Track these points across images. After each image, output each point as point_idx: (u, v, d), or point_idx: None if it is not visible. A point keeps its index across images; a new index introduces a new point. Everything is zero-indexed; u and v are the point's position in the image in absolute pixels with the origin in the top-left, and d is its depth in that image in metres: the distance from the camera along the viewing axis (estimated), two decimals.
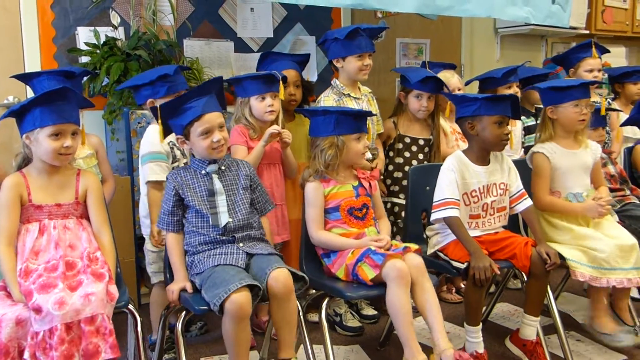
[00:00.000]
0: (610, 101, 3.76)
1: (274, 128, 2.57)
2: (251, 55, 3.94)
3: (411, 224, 2.71)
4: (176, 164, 2.56)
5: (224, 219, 2.17)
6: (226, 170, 2.25)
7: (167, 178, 2.23)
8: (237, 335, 1.98)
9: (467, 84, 3.73)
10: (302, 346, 2.28)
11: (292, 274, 2.09)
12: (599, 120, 2.96)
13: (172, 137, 2.33)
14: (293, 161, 2.76)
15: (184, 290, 2.12)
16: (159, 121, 2.20)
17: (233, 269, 2.06)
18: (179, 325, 2.10)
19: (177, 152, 2.58)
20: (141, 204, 2.63)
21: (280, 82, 2.65)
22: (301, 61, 3.12)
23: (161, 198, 2.28)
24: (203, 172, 2.21)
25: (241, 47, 3.93)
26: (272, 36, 4.02)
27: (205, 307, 1.99)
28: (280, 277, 2.03)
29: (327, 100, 2.87)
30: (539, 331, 2.50)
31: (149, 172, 2.51)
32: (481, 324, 2.42)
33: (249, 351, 2.05)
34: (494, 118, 2.47)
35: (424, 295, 2.23)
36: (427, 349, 2.26)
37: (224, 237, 2.16)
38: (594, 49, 3.55)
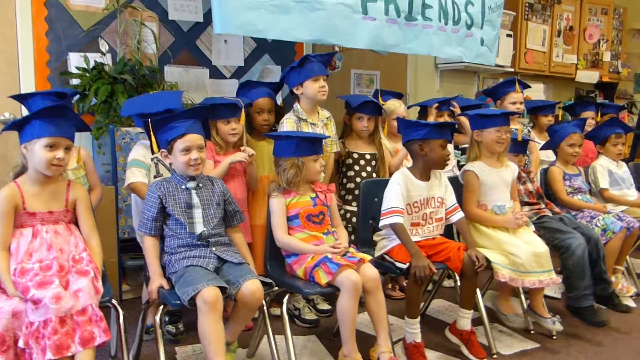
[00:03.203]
0: (530, 129, 3.90)
1: (243, 157, 2.62)
2: (224, 81, 3.95)
3: (362, 230, 2.76)
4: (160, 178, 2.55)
5: (199, 228, 2.19)
6: (203, 187, 2.26)
7: (150, 187, 2.22)
8: (210, 329, 1.97)
9: (409, 108, 3.81)
10: (265, 336, 2.30)
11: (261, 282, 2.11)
12: (519, 147, 3.07)
13: (152, 155, 2.33)
14: (255, 176, 2.80)
15: (161, 287, 2.12)
16: (151, 134, 2.20)
17: (203, 271, 2.07)
18: (157, 318, 2.09)
19: (162, 168, 2.58)
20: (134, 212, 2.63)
21: (242, 109, 2.68)
22: (275, 88, 3.16)
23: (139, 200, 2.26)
24: (183, 187, 2.21)
25: (215, 73, 3.94)
26: (243, 65, 4.04)
27: (179, 302, 1.99)
28: (254, 290, 2.05)
29: (288, 122, 2.88)
30: None
31: (130, 175, 2.51)
32: (419, 317, 2.47)
33: (225, 346, 2.04)
34: (439, 142, 2.55)
35: (376, 306, 2.31)
36: (371, 338, 2.32)
37: (198, 242, 2.17)
38: (517, 85, 3.65)
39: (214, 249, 2.19)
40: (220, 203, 2.28)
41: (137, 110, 2.50)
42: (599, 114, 4.27)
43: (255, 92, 2.99)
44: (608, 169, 3.63)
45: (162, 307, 2.11)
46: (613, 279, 3.22)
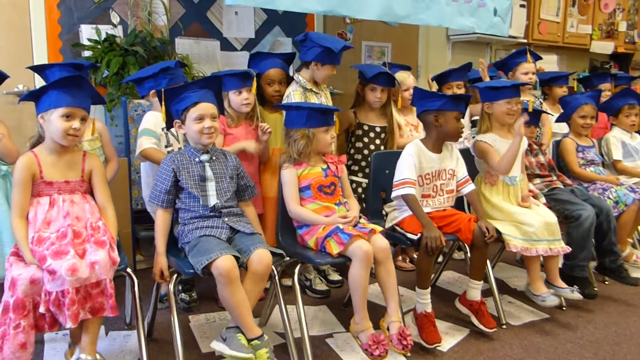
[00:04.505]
0: (542, 101, 3.85)
1: (254, 149, 2.65)
2: (235, 53, 3.92)
3: (372, 201, 2.76)
4: (170, 149, 2.56)
5: (213, 200, 2.19)
6: (216, 160, 2.26)
7: (164, 160, 2.21)
8: (232, 297, 1.99)
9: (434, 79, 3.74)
10: (277, 306, 2.33)
11: (271, 252, 2.12)
12: (532, 119, 3.02)
13: (163, 124, 2.33)
14: (268, 149, 2.80)
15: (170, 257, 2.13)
16: (163, 104, 2.20)
17: (216, 240, 2.08)
18: (171, 287, 2.12)
19: (171, 138, 2.58)
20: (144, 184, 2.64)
21: (254, 78, 2.66)
22: (287, 59, 3.13)
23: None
24: (197, 159, 2.21)
25: (226, 46, 3.91)
26: (253, 37, 4.00)
27: (192, 271, 2.01)
28: (263, 257, 2.06)
29: (295, 93, 2.86)
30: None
31: (142, 143, 2.50)
32: (430, 288, 2.47)
33: (251, 310, 2.06)
34: (454, 114, 2.53)
35: (386, 276, 2.32)
36: (381, 309, 2.34)
37: (211, 213, 2.18)
38: (528, 55, 3.60)
39: (226, 219, 2.19)
40: (233, 177, 2.28)
41: (134, 76, 2.51)
42: (614, 86, 4.20)
43: (266, 63, 2.96)
44: (621, 140, 3.58)
45: (175, 276, 2.13)
46: (628, 250, 3.20)
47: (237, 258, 2.02)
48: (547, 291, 2.66)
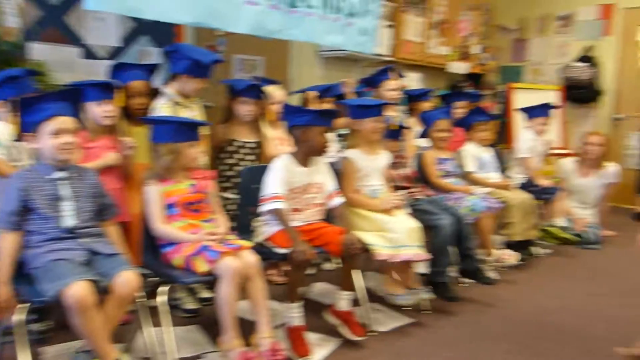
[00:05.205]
0: (404, 116, 4.06)
1: (115, 160, 2.52)
2: (99, 62, 3.70)
3: (242, 217, 2.74)
4: (18, 164, 2.34)
5: (69, 221, 2.04)
6: (74, 177, 2.11)
7: (12, 178, 2.02)
8: (87, 325, 1.87)
9: (291, 94, 3.81)
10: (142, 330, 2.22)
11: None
12: (394, 134, 3.19)
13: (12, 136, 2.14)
14: (131, 164, 2.68)
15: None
16: (18, 114, 2.01)
17: (71, 264, 1.94)
18: (17, 318, 1.92)
19: (20, 152, 2.36)
20: None
21: (116, 90, 2.55)
22: (151, 70, 3.01)
23: None
24: (49, 177, 2.04)
25: (89, 53, 3.68)
26: (120, 45, 3.81)
27: (43, 299, 1.85)
28: (128, 279, 1.97)
29: (164, 107, 2.76)
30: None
31: None
32: (301, 301, 2.50)
33: (110, 334, 1.95)
34: (320, 128, 2.58)
35: (257, 292, 2.30)
36: (253, 325, 2.33)
37: (67, 235, 2.03)
38: (392, 73, 3.80)
39: (83, 240, 2.05)
40: (92, 195, 2.14)
41: None
42: (469, 103, 4.56)
43: (130, 74, 2.83)
44: (474, 153, 3.90)
45: (22, 305, 1.93)
46: (495, 252, 3.51)
47: (95, 282, 1.89)
48: (403, 291, 2.79)
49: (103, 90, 2.53)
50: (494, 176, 3.95)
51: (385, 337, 2.69)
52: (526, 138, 4.46)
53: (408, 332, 2.75)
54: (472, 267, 3.23)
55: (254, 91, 3.06)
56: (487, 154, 4.00)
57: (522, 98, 5.87)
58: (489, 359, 2.49)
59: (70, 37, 3.59)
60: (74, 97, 2.12)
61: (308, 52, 5.01)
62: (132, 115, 2.82)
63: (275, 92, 3.32)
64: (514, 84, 5.93)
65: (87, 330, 1.87)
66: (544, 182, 4.34)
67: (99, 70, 3.65)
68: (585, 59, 6.33)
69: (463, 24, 6.36)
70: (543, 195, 4.25)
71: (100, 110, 2.53)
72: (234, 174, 3.06)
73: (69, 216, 2.04)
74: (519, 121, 5.36)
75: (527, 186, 4.22)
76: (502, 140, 5.96)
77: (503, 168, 4.27)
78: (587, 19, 6.40)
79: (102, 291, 1.95)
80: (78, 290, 1.82)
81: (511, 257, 3.55)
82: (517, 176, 4.40)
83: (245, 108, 3.06)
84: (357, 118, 2.88)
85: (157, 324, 2.25)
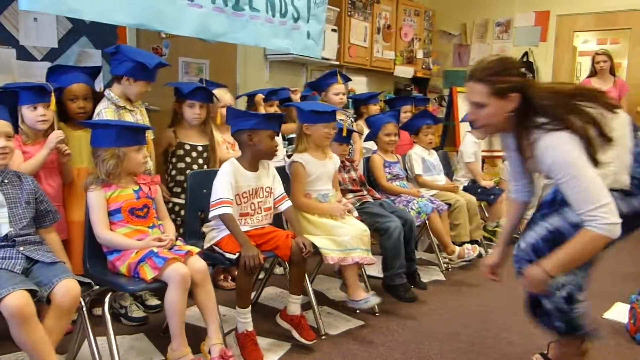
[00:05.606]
0: (353, 120, 4.12)
1: (58, 136, 2.38)
2: (35, 63, 3.54)
3: (190, 222, 2.69)
4: None
5: (5, 229, 1.96)
6: (9, 183, 2.02)
7: None
8: (28, 337, 1.78)
9: (238, 97, 3.79)
10: (86, 340, 2.13)
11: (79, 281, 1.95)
12: (344, 138, 3.21)
13: None
14: (70, 170, 2.60)
15: None
16: None
17: (7, 274, 1.85)
18: None
19: None
20: None
21: (52, 93, 2.45)
22: (92, 73, 2.91)
23: None
24: None
25: (24, 55, 3.52)
26: (56, 46, 3.67)
27: None
28: (69, 288, 1.89)
29: (107, 111, 2.67)
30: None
31: None
32: (251, 306, 2.48)
33: (54, 346, 1.86)
34: (268, 132, 2.56)
35: (205, 298, 2.26)
36: (202, 331, 2.28)
37: (3, 243, 1.93)
38: (338, 77, 3.84)
39: (21, 248, 1.97)
40: (30, 202, 2.05)
41: None
42: (414, 107, 4.67)
43: (68, 77, 2.72)
44: (421, 156, 3.98)
45: None
46: (466, 248, 3.58)
47: (34, 292, 1.81)
48: (367, 295, 2.81)
49: (38, 94, 2.43)
50: (441, 179, 4.04)
51: (336, 340, 2.70)
52: (470, 142, 4.60)
53: (359, 335, 2.77)
54: (411, 269, 3.27)
55: (202, 94, 3.02)
56: (433, 157, 4.09)
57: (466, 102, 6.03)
58: (438, 358, 2.54)
59: (4, 38, 3.43)
60: (8, 100, 2.03)
61: (255, 56, 4.98)
62: (72, 119, 2.72)
63: (223, 94, 3.29)
64: (458, 88, 6.09)
65: (28, 342, 1.79)
66: (488, 184, 4.48)
67: (37, 73, 3.51)
68: (523, 64, 6.58)
69: (407, 29, 6.49)
70: (487, 196, 4.39)
71: (35, 115, 2.43)
72: (185, 179, 3.00)
73: (4, 224, 1.96)
74: (463, 125, 5.51)
75: (472, 188, 4.35)
76: (447, 143, 6.12)
77: (449, 171, 4.39)
78: (525, 25, 6.67)
79: (42, 301, 1.87)
80: (15, 300, 1.73)
81: (474, 249, 3.62)
82: (462, 179, 4.53)
83: (192, 111, 3.02)
84: (309, 123, 2.88)
85: (101, 333, 2.17)
